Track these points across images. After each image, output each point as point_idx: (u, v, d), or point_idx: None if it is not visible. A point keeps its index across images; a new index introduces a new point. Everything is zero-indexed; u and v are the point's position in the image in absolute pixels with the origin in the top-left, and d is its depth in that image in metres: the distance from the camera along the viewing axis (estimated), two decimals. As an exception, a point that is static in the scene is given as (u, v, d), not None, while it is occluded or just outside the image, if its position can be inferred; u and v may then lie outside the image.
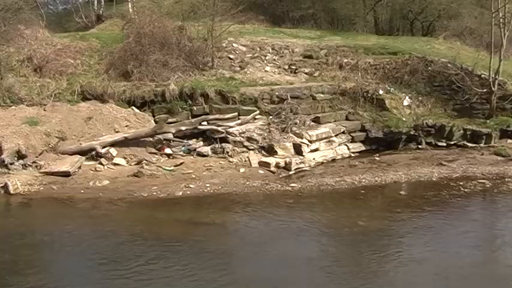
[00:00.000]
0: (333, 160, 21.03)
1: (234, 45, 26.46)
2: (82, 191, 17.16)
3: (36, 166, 18.58)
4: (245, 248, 13.40)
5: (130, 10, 31.56)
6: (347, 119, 22.87)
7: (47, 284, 11.46)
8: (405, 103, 23.60)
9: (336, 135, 21.62)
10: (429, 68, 24.42)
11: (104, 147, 19.40)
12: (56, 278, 11.79)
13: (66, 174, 18.09)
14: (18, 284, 11.37)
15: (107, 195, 16.85)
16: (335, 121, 22.47)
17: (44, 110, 21.16)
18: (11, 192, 16.99)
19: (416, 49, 26.48)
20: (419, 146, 22.53)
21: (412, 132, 22.51)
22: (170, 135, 20.44)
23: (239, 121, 21.16)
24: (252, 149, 20.15)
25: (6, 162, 18.38)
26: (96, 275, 11.84)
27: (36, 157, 18.95)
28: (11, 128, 19.80)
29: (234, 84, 22.82)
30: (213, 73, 23.80)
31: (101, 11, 34.39)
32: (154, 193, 16.95)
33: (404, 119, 22.79)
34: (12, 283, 11.39)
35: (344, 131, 22.03)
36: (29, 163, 18.62)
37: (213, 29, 24.36)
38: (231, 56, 25.44)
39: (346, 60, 25.43)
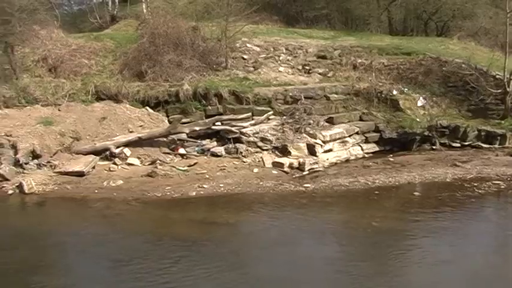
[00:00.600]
0: (347, 161, 20.99)
1: (248, 45, 26.46)
2: (96, 191, 17.22)
3: (51, 166, 18.67)
4: (258, 248, 13.35)
5: (145, 10, 31.60)
6: (361, 119, 22.81)
7: (64, 285, 11.55)
8: (419, 104, 23.51)
9: (349, 136, 21.56)
10: (443, 69, 24.30)
11: (118, 147, 19.46)
12: (72, 279, 11.84)
13: (80, 174, 18.15)
14: (36, 284, 11.41)
15: (120, 195, 16.88)
16: (349, 122, 22.42)
17: (59, 110, 21.30)
18: (26, 191, 17.09)
19: (430, 49, 26.36)
20: (434, 147, 22.38)
21: (426, 133, 22.39)
22: (184, 136, 20.48)
23: (253, 121, 21.13)
24: (266, 150, 20.12)
25: (21, 162, 18.51)
26: (110, 275, 11.92)
27: (51, 157, 19.04)
28: (26, 128, 19.92)
29: (248, 85, 22.82)
30: (227, 73, 23.82)
31: (115, 12, 34.45)
32: (168, 193, 16.96)
33: (418, 119, 22.70)
34: (30, 283, 11.44)
35: (358, 132, 21.96)
36: (43, 163, 18.73)
37: (226, 29, 24.37)
38: (245, 57, 25.45)
39: (360, 61, 25.37)
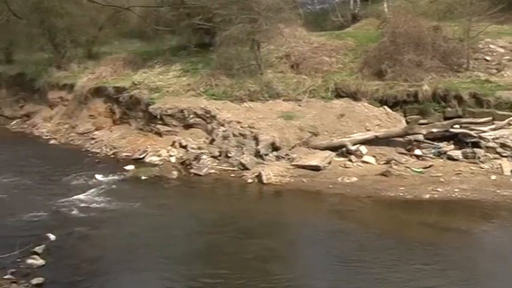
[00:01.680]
0: None
1: (491, 46, 25.33)
2: (330, 186, 17.59)
3: (289, 159, 19.43)
4: (492, 260, 12.71)
5: (386, 10, 31.59)
6: None
7: (296, 277, 11.95)
8: None
9: None
10: None
11: (354, 144, 19.70)
12: (304, 271, 12.25)
13: (316, 169, 18.65)
14: (271, 273, 11.95)
15: (353, 192, 17.09)
16: None
17: (299, 106, 22.10)
18: (264, 181, 18.00)
19: None
20: None
21: None
22: (420, 137, 20.11)
23: (493, 126, 20.26)
24: (505, 156, 19.19)
25: (261, 153, 19.49)
26: (340, 272, 12.05)
27: (289, 150, 19.84)
28: (268, 121, 20.94)
29: (490, 87, 21.83)
30: (468, 75, 22.98)
31: (356, 10, 34.80)
32: (401, 194, 16.82)
33: None
34: (265, 271, 12.03)
35: None
36: (282, 155, 19.55)
37: (469, 29, 23.64)
38: (487, 58, 24.40)
39: None
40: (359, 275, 11.75)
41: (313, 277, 11.81)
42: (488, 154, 19.17)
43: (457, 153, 19.39)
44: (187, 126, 22.58)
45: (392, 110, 21.65)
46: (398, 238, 13.72)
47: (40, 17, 30.70)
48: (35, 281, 11.59)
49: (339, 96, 22.50)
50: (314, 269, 12.26)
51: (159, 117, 23.16)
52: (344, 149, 19.65)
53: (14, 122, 30.74)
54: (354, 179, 18.00)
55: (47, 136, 27.48)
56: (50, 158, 22.97)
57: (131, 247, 13.36)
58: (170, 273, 11.99)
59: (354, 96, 22.20)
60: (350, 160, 19.26)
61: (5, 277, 11.62)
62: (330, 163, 19.07)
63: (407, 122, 20.95)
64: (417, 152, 19.72)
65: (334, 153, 19.59)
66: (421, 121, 20.88)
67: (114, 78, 27.55)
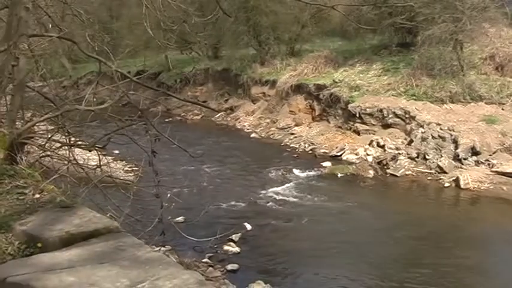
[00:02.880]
0: None
1: None
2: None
3: (489, 164, 18.87)
4: None
5: None
6: None
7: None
8: None
9: None
10: None
11: (561, 152, 18.78)
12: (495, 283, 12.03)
13: (517, 176, 18.04)
14: (469, 284, 11.86)
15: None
16: None
17: (502, 109, 21.35)
18: (461, 186, 17.74)
19: None
20: None
21: None
22: None
23: None
24: None
25: (460, 157, 19.13)
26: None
27: (490, 155, 19.25)
28: (468, 124, 20.48)
29: None
30: None
31: None
32: None
33: None
34: (464, 283, 11.93)
35: None
36: (481, 160, 19.02)
37: None
38: None
39: None
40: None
41: None
42: None
43: None
44: (386, 126, 22.66)
45: None
46: None
47: (246, 15, 31.98)
48: (229, 266, 12.55)
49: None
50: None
51: (358, 115, 23.45)
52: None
53: (218, 114, 32.31)
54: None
55: (248, 129, 28.73)
56: (250, 150, 24.14)
57: (324, 244, 13.83)
58: (360, 277, 12.18)
59: None
60: (553, 169, 18.39)
61: (203, 260, 12.63)
62: (533, 172, 18.35)
63: None
64: None
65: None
66: None
67: (314, 76, 28.17)
